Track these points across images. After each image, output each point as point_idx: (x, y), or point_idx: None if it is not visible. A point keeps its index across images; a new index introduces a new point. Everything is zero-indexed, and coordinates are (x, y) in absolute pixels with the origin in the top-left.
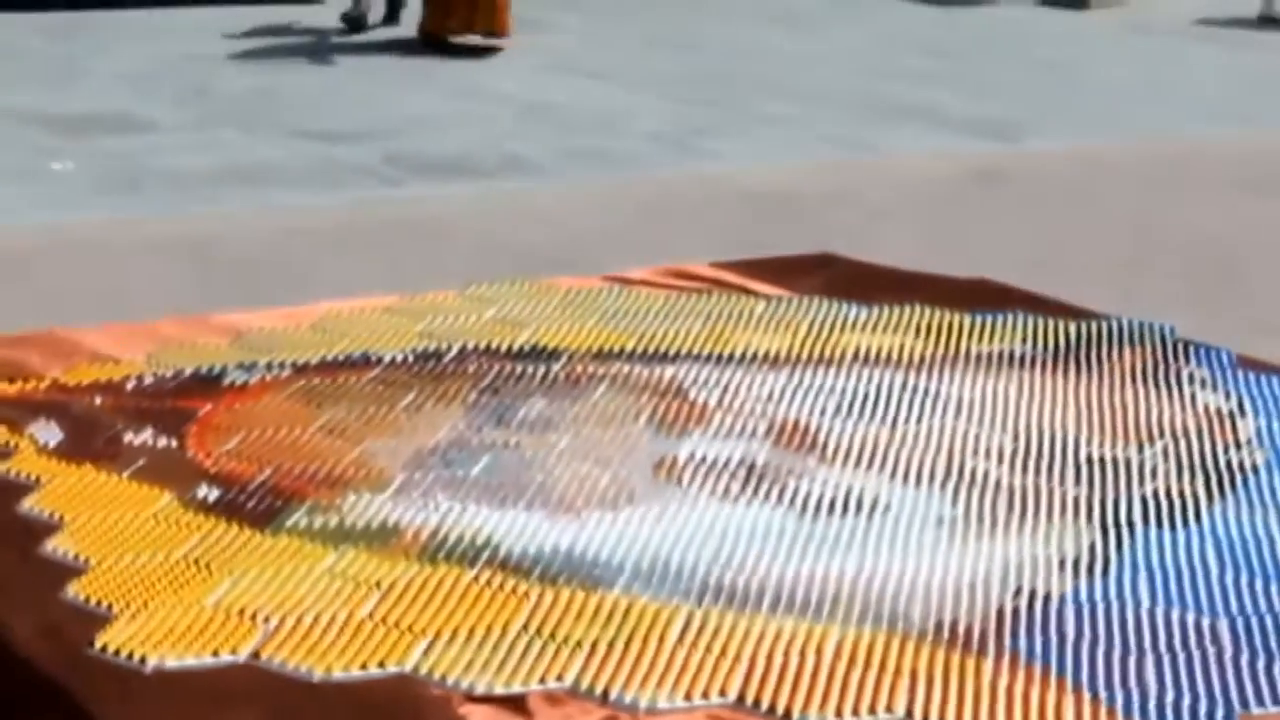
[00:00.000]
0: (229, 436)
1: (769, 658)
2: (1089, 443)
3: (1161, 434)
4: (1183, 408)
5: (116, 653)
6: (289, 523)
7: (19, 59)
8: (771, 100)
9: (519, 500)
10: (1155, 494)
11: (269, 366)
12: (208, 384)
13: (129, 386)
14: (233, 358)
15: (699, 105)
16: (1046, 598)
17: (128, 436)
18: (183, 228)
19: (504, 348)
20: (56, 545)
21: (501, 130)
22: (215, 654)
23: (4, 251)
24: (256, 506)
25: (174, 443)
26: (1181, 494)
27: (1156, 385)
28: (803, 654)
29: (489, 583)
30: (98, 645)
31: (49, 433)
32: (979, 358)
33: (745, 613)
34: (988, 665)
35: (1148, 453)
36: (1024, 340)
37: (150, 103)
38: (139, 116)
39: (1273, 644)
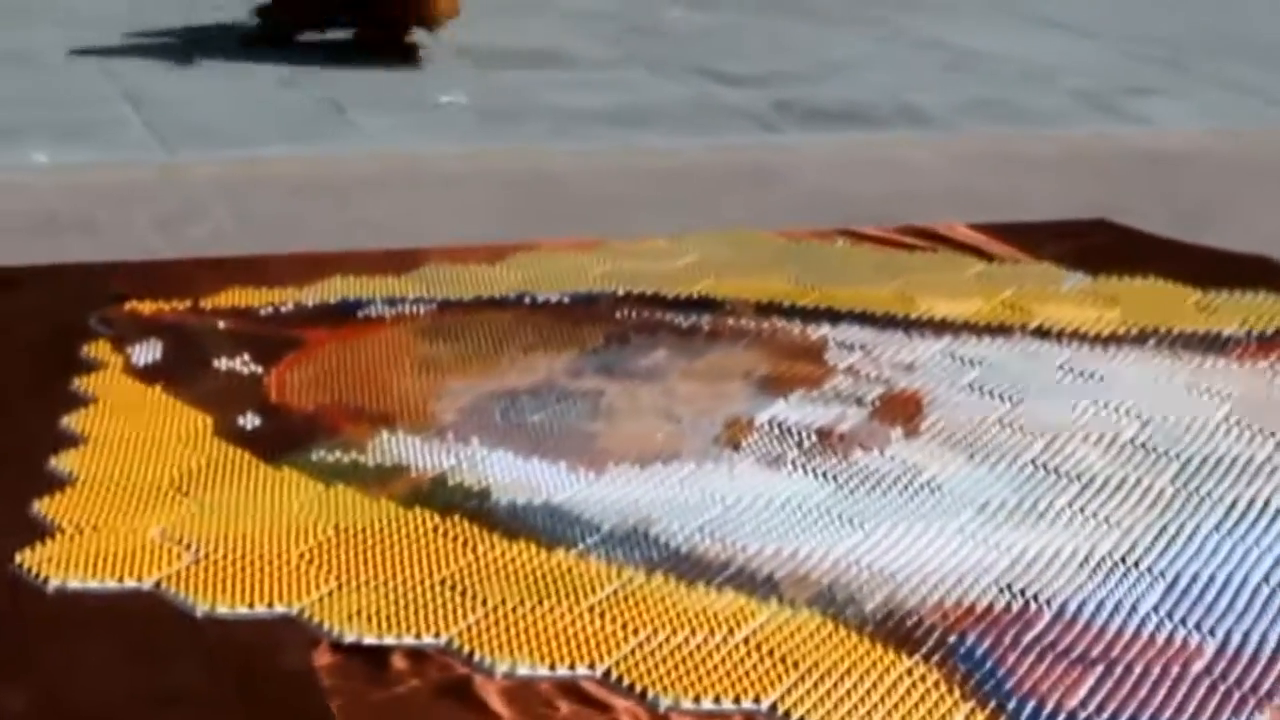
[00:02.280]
0: (316, 367)
1: (671, 634)
2: (1226, 436)
3: None
4: None
5: (29, 571)
6: (304, 455)
7: None
8: (1230, 60)
9: (553, 451)
10: (1251, 499)
11: (417, 301)
12: (341, 315)
13: (262, 313)
14: (396, 290)
15: (1146, 62)
16: (1035, 599)
17: (218, 361)
18: (529, 163)
19: (670, 295)
20: (57, 461)
21: (915, 79)
22: (120, 580)
23: (333, 178)
24: (285, 437)
25: (259, 369)
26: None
27: None
28: (710, 632)
29: (447, 532)
30: (16, 562)
31: (147, 352)
32: (1175, 338)
33: (688, 585)
34: (903, 664)
35: (1273, 456)
36: (1242, 323)
37: (584, 39)
38: (565, 52)
39: (1257, 668)
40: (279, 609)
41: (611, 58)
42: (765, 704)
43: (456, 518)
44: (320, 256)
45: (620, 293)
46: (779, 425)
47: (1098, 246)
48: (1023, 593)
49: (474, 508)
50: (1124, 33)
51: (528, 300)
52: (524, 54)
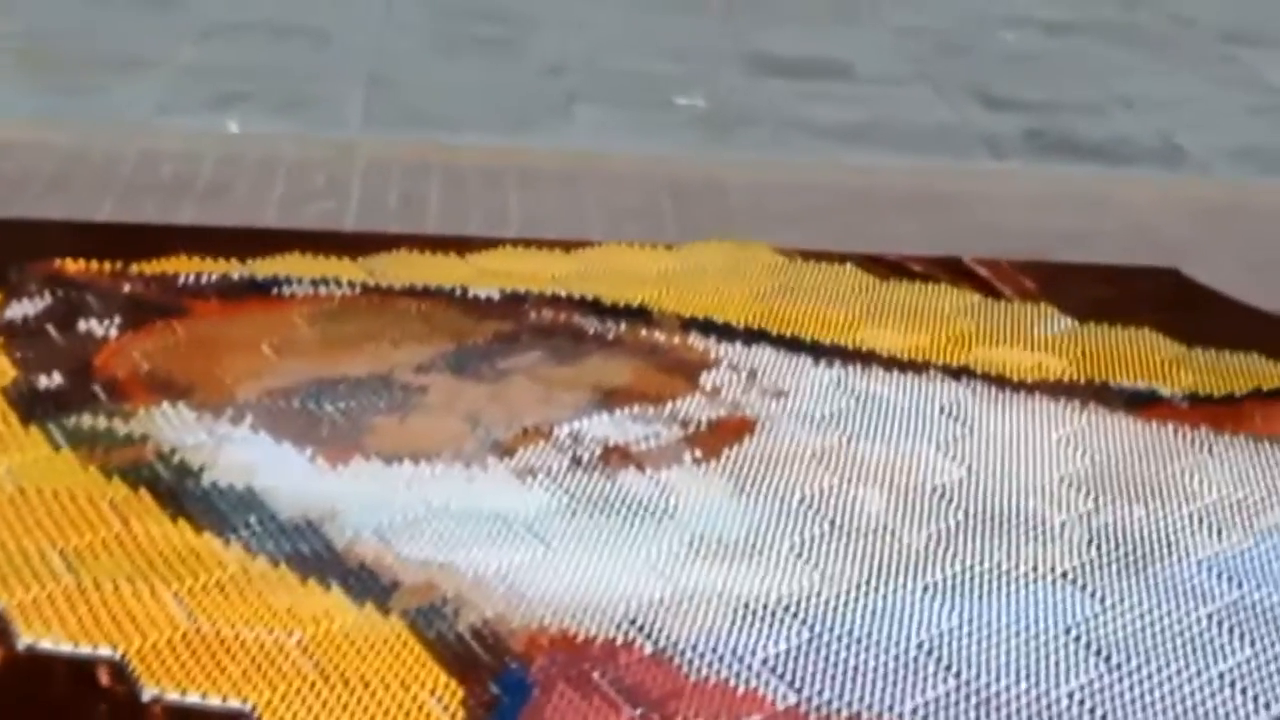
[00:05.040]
0: (167, 337)
1: (228, 627)
2: (1041, 496)
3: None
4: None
5: None
6: (62, 419)
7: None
8: None
9: (313, 440)
10: (996, 564)
11: (337, 284)
12: (254, 290)
13: (180, 282)
14: (336, 272)
15: None
16: (649, 637)
17: (84, 323)
18: (702, 171)
19: (607, 302)
20: None
21: (1203, 120)
22: None
23: (499, 169)
24: (66, 400)
25: (113, 334)
26: (1045, 569)
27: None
28: (269, 631)
29: (117, 506)
30: None
31: (24, 309)
32: (1103, 391)
33: (301, 581)
34: (434, 684)
35: (1078, 520)
36: (1193, 384)
37: (883, 54)
38: (850, 64)
39: None
40: None
41: (897, 74)
42: (248, 705)
43: (142, 492)
44: (292, 233)
45: (560, 295)
46: (573, 438)
47: (1126, 295)
48: (642, 629)
49: (168, 484)
50: None
51: (458, 293)
52: (807, 62)
